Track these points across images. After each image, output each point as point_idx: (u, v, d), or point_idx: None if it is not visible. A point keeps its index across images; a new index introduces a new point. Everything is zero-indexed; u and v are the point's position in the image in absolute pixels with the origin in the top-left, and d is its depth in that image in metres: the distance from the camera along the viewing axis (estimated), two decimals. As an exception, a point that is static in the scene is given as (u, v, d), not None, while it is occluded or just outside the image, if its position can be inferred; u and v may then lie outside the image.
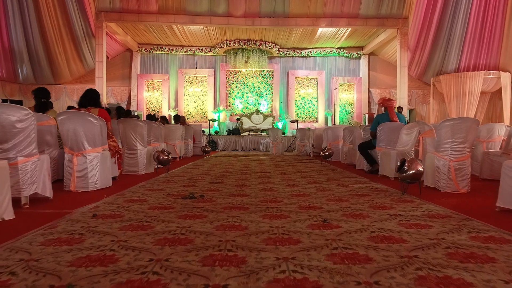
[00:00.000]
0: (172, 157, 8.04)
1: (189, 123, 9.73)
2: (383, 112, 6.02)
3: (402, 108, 11.55)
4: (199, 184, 4.42)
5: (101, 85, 12.48)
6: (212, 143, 12.30)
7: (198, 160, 8.20)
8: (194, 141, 9.47)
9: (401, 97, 12.70)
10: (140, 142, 5.41)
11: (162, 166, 5.56)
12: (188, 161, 7.89)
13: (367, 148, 5.95)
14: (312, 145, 9.85)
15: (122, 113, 6.52)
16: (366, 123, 15.12)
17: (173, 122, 9.27)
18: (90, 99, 4.44)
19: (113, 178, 4.74)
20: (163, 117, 8.83)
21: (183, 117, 9.64)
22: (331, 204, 3.25)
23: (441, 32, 11.61)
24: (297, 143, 10.53)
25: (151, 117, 8.26)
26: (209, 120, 12.36)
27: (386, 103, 5.80)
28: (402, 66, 12.67)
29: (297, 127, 12.46)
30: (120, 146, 5.60)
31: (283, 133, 13.67)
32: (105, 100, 12.95)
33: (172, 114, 15.58)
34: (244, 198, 3.51)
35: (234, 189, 4.09)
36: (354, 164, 6.97)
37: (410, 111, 16.03)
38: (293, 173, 5.78)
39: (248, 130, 14.62)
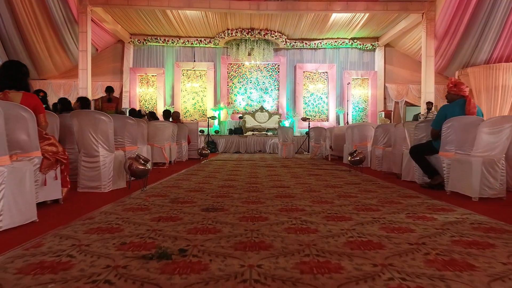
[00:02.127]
0: (161, 163, 6.33)
1: (184, 121, 7.97)
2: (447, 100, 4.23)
3: (432, 103, 9.77)
4: (185, 215, 2.68)
5: (86, 79, 10.76)
6: (212, 144, 10.59)
7: (193, 167, 6.47)
8: (189, 142, 7.74)
9: (427, 92, 10.95)
10: (103, 145, 3.68)
11: (137, 179, 3.84)
12: (180, 168, 6.16)
13: (424, 152, 4.20)
14: (330, 147, 8.12)
15: (88, 104, 4.77)
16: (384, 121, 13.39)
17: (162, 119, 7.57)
18: (7, 77, 2.71)
19: (55, 202, 3.03)
20: (152, 113, 7.13)
21: (177, 112, 7.91)
22: (445, 272, 1.51)
23: (477, 17, 9.83)
24: (311, 145, 8.79)
25: (134, 113, 6.54)
26: (208, 118, 10.64)
27: (460, 88, 4.03)
28: (428, 56, 10.92)
29: (309, 126, 10.72)
30: (79, 153, 3.87)
31: (292, 133, 11.92)
32: (90, 96, 11.23)
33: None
34: (265, 258, 1.76)
35: (242, 227, 2.35)
36: (395, 173, 5.24)
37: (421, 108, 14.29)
38: (322, 187, 4.04)
39: (252, 129, 12.90)
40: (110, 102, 7.28)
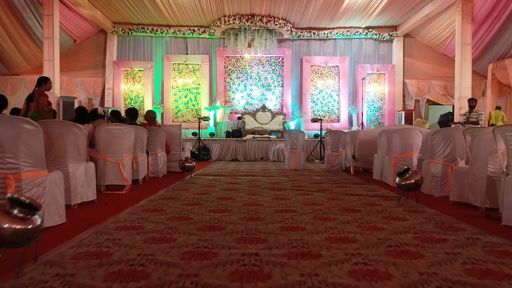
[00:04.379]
0: (121, 186, 4.30)
1: (159, 124, 5.89)
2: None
3: (475, 100, 7.64)
4: None
5: (51, 72, 8.76)
6: (204, 150, 8.57)
7: (164, 190, 4.42)
8: (168, 151, 5.72)
9: (463, 87, 8.90)
10: None
11: (13, 248, 1.81)
12: (147, 192, 4.15)
13: None
14: (353, 157, 6.09)
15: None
16: (403, 122, 11.37)
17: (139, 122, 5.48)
18: None
19: None
20: (115, 113, 5.10)
21: (152, 112, 5.81)
22: None
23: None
24: (326, 152, 6.77)
25: (82, 114, 4.50)
26: (199, 118, 8.62)
27: None
28: (464, 44, 8.87)
29: (321, 128, 8.69)
30: None
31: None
32: (58, 92, 9.23)
33: (157, 111, 11.89)
34: None
35: None
36: (475, 206, 3.23)
37: (454, 107, 12.26)
38: (386, 257, 2.01)
39: (252, 131, 10.89)
40: (31, 100, 4.91)
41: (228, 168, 7.03)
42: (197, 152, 8.37)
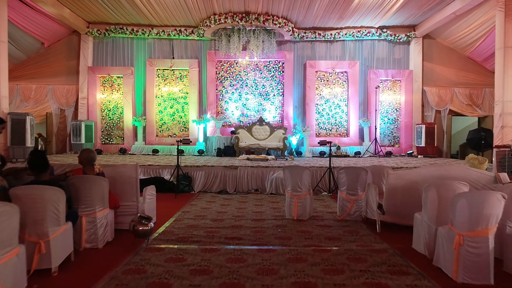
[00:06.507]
0: None
1: (101, 169, 3.94)
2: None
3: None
4: None
5: (-3, 82, 6.96)
6: (185, 179, 6.76)
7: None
8: (115, 205, 3.89)
9: (506, 100, 7.02)
10: None
11: None
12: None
13: None
14: (380, 207, 4.26)
15: None
16: (423, 137, 9.58)
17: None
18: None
19: None
20: (34, 155, 3.25)
21: (89, 152, 3.63)
22: None
23: None
24: (341, 196, 4.93)
25: None
26: (178, 141, 6.79)
27: None
28: (508, 48, 6.99)
29: (330, 150, 6.84)
30: None
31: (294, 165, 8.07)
32: (6, 108, 7.44)
33: (138, 124, 10.13)
34: None
35: None
36: None
37: (481, 119, 10.43)
38: None
39: (247, 149, 9.10)
40: None
41: (209, 213, 5.20)
42: (175, 182, 6.56)
